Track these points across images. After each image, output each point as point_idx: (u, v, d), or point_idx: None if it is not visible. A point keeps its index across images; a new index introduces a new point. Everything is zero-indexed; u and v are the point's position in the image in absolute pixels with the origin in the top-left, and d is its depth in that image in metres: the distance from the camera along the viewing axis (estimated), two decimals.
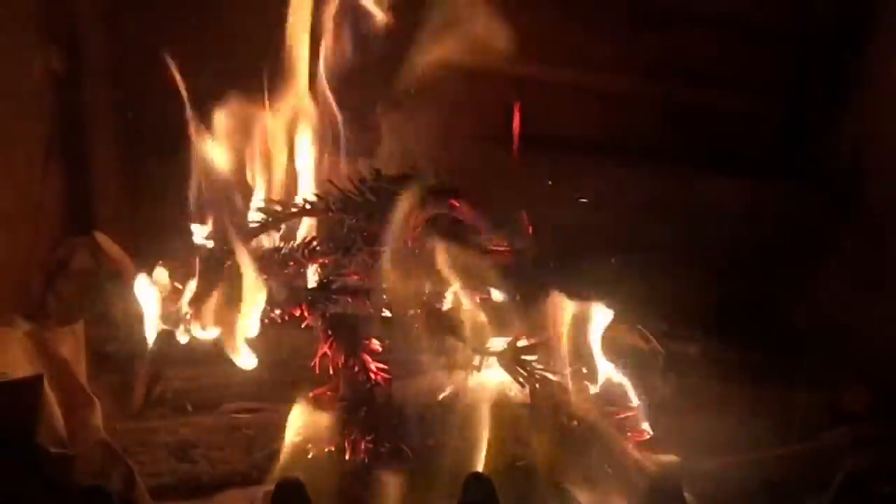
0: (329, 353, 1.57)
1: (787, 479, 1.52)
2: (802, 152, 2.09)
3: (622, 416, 1.54)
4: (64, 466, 1.33)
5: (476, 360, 1.57)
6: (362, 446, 1.49)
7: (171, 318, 1.68)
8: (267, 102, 1.83)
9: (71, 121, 2.03)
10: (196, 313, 1.66)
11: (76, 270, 1.89)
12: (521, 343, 1.55)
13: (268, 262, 1.68)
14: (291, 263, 1.68)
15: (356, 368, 1.55)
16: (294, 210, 1.73)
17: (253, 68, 1.82)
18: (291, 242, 1.73)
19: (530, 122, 2.07)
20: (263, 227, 1.73)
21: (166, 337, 1.69)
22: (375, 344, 1.58)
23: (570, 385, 1.53)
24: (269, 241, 1.76)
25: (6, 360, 1.49)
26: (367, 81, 1.89)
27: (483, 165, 2.02)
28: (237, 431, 1.60)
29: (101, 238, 1.93)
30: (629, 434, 1.52)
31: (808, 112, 2.09)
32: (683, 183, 2.07)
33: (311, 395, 1.55)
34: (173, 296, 1.69)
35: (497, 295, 1.62)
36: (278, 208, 1.74)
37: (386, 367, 1.56)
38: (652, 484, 1.36)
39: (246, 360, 1.63)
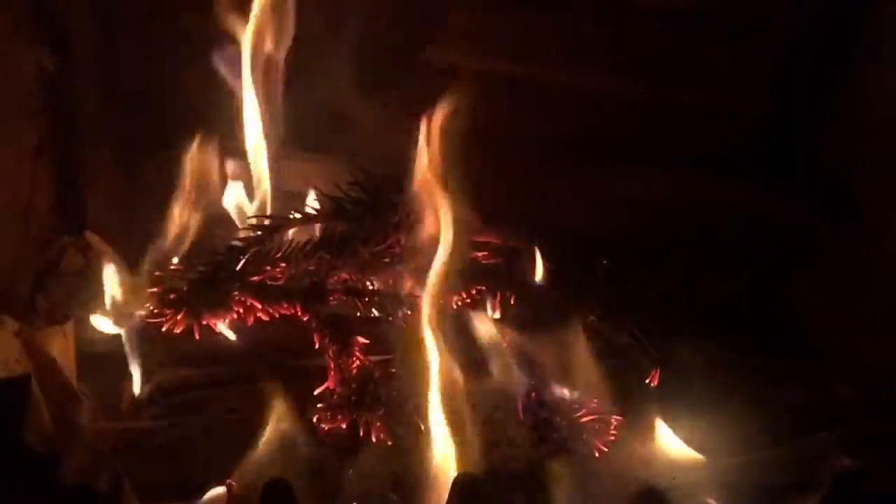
0: (323, 349, 1.58)
1: (779, 480, 1.51)
2: (792, 151, 2.08)
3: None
4: (51, 466, 1.32)
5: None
6: (378, 424, 1.49)
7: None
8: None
9: (62, 119, 2.02)
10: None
11: (66, 270, 1.88)
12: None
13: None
14: (284, 265, 1.68)
15: (349, 360, 1.55)
16: (282, 222, 1.72)
17: None
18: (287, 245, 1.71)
19: (513, 120, 2.07)
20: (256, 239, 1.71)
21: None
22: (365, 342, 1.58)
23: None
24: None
25: None
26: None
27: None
28: (228, 432, 1.59)
29: (92, 238, 1.92)
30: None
31: (797, 110, 2.07)
32: (673, 183, 2.07)
33: (316, 392, 1.55)
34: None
35: None
36: (267, 221, 1.72)
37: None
38: (638, 491, 1.35)
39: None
